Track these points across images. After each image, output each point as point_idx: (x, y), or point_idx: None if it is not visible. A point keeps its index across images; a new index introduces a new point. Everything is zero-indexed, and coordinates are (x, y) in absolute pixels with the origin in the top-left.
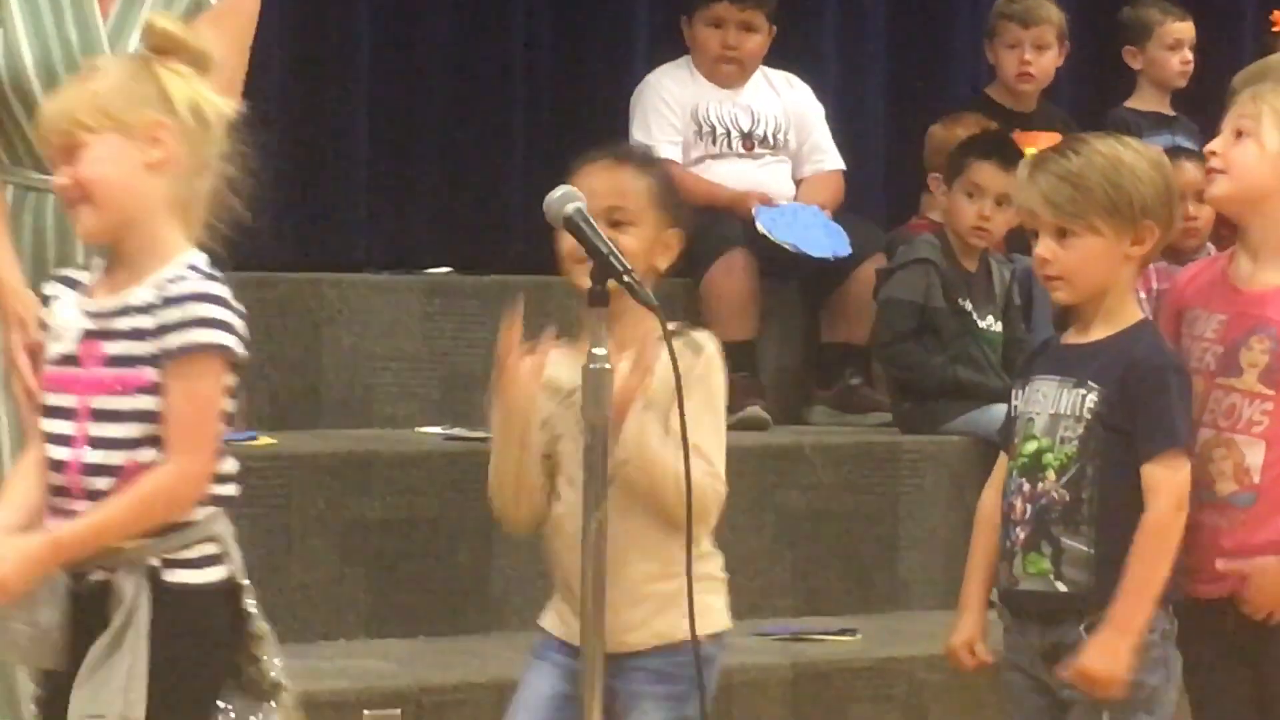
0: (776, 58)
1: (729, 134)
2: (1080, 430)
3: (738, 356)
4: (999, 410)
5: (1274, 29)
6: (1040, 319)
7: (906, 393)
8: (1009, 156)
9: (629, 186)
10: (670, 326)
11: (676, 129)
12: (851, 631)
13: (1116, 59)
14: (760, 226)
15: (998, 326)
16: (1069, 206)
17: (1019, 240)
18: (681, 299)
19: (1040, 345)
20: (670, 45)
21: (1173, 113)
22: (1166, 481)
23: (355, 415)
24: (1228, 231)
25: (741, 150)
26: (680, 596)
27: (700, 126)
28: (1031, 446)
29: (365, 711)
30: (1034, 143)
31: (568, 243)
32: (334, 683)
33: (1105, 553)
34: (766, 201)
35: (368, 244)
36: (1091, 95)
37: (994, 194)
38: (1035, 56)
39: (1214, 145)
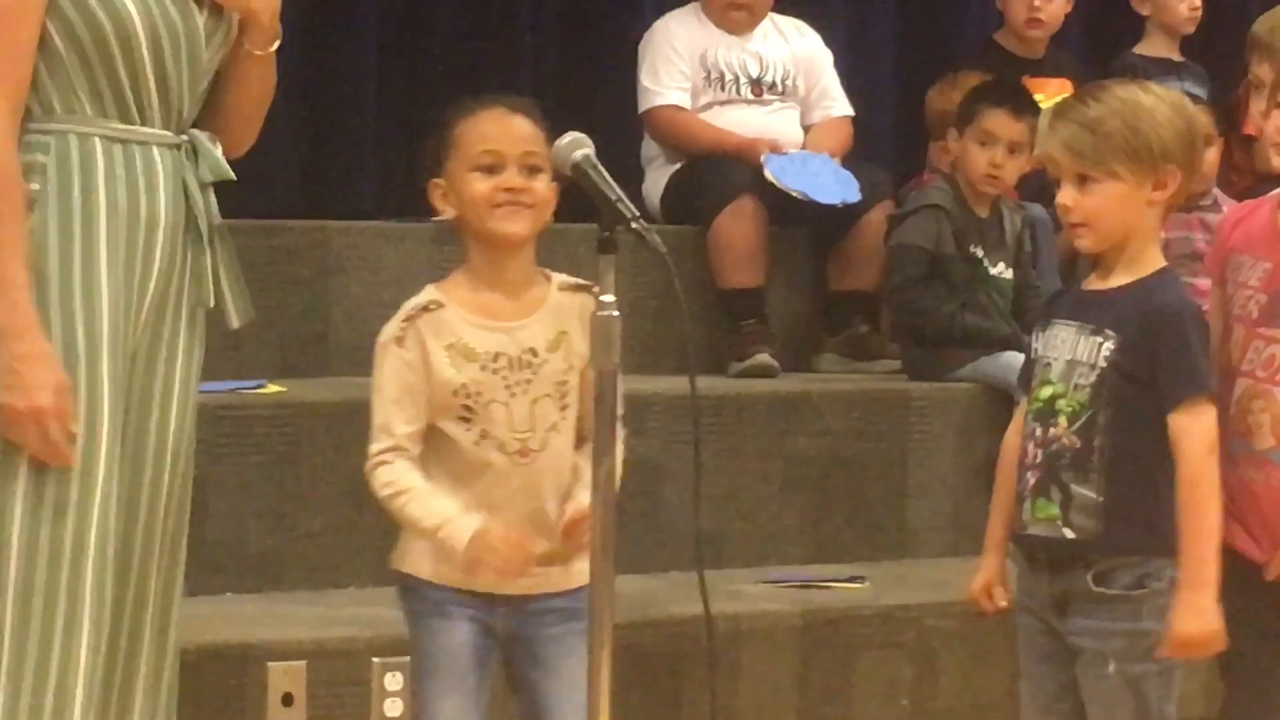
0: (785, 4)
1: (738, 80)
2: (1094, 377)
3: (746, 303)
4: (1008, 357)
5: None
6: (1046, 267)
7: (915, 339)
8: (1020, 105)
9: (536, 134)
10: (581, 282)
11: (685, 75)
12: (860, 579)
13: (1125, 4)
14: (769, 174)
15: (1009, 274)
16: (1090, 153)
17: (1031, 187)
18: (690, 246)
19: (1063, 289)
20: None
21: (1181, 58)
22: (1193, 428)
23: (364, 363)
24: (1236, 177)
25: (750, 96)
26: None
27: (709, 73)
28: (1046, 391)
29: (374, 659)
30: (1044, 89)
31: (484, 185)
32: (344, 630)
33: (1114, 501)
34: (775, 148)
35: (376, 191)
36: (1100, 41)
37: (1006, 141)
38: (1044, 2)
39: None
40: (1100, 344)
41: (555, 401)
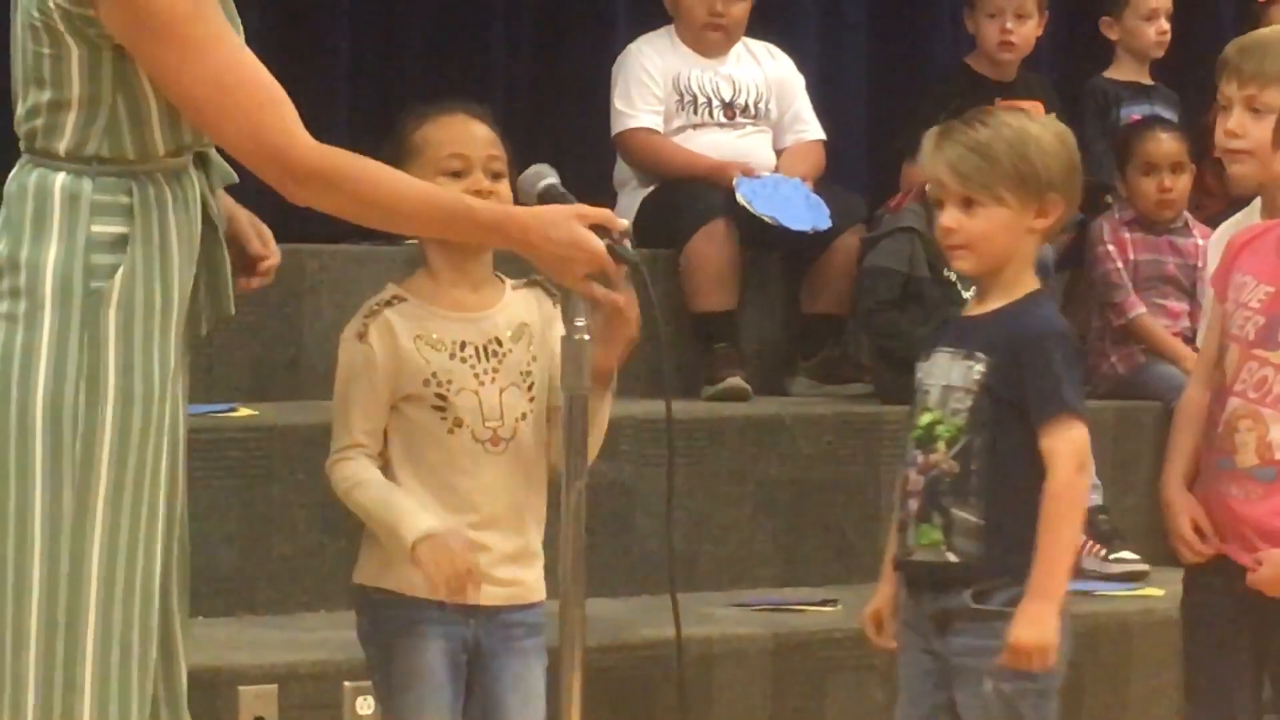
0: (756, 28)
1: (710, 103)
2: (969, 402)
3: (718, 327)
4: None
5: (1260, 1)
6: None
7: (888, 361)
8: None
9: (496, 139)
10: (532, 278)
11: (658, 98)
12: (832, 602)
13: (1094, 29)
14: (740, 198)
15: None
16: (976, 176)
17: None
18: (662, 269)
19: (946, 319)
20: (651, 15)
21: (1151, 82)
22: (1062, 446)
23: None
24: (1208, 201)
25: (723, 120)
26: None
27: (682, 96)
28: (926, 418)
29: (345, 683)
30: None
31: (452, 189)
32: (315, 654)
33: (994, 523)
34: (748, 172)
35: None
36: (1071, 65)
37: None
38: (1016, 25)
39: (1233, 125)
40: (972, 368)
41: (522, 391)
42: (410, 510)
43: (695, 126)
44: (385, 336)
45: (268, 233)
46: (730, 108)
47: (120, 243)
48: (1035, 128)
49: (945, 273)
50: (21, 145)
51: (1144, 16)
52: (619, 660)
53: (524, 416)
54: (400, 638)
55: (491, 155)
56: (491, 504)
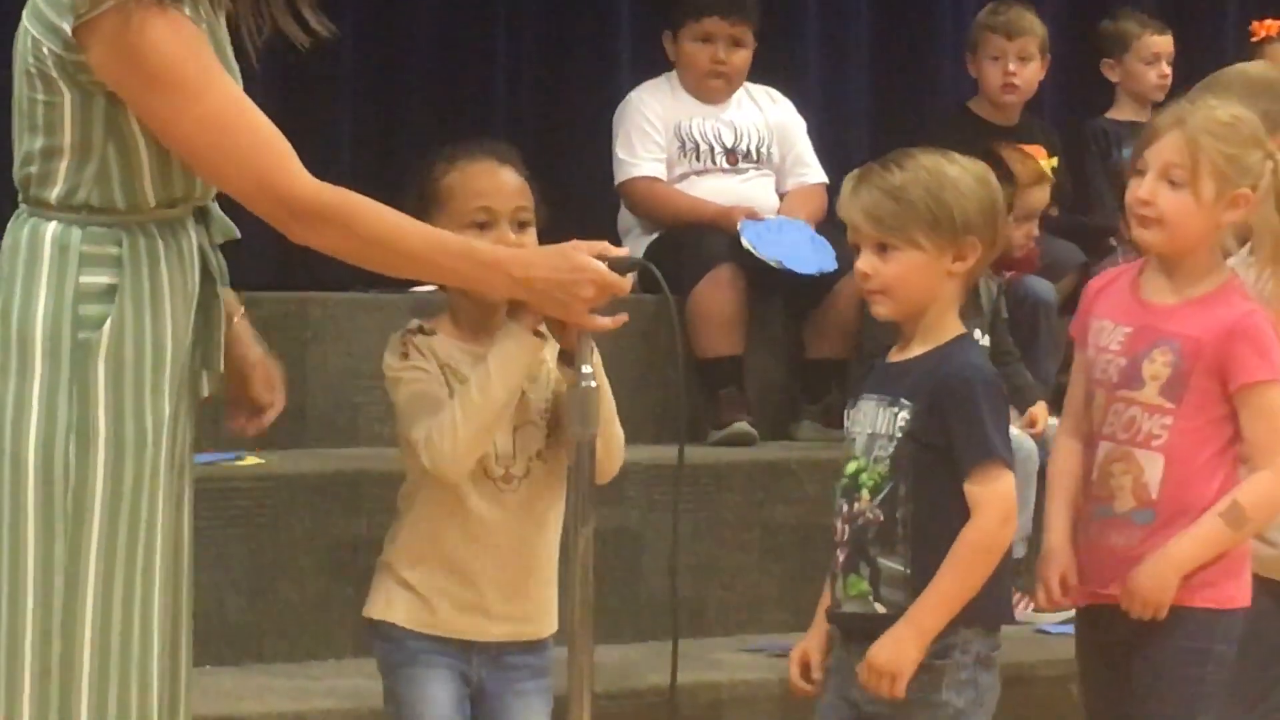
0: (760, 72)
1: (712, 150)
2: (892, 449)
3: (725, 372)
4: None
5: (1254, 39)
6: (1046, 348)
7: None
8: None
9: (524, 187)
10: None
11: (660, 146)
12: None
13: (1096, 72)
14: (745, 242)
15: (985, 341)
16: (890, 220)
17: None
18: (667, 315)
19: (870, 365)
20: (652, 62)
21: None
22: (987, 496)
23: (342, 434)
24: None
25: (725, 165)
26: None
27: (684, 143)
28: (851, 467)
29: None
30: None
31: None
32: (321, 702)
33: (921, 572)
34: (752, 216)
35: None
36: (1072, 107)
37: None
38: (1019, 68)
39: (1144, 193)
40: (896, 414)
41: (539, 430)
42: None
43: (698, 173)
44: (425, 353)
45: (278, 379)
46: (732, 154)
47: (109, 293)
48: (953, 170)
49: None
50: (19, 195)
51: (1146, 60)
52: (626, 707)
53: (538, 455)
54: (409, 668)
55: (519, 206)
56: (500, 539)
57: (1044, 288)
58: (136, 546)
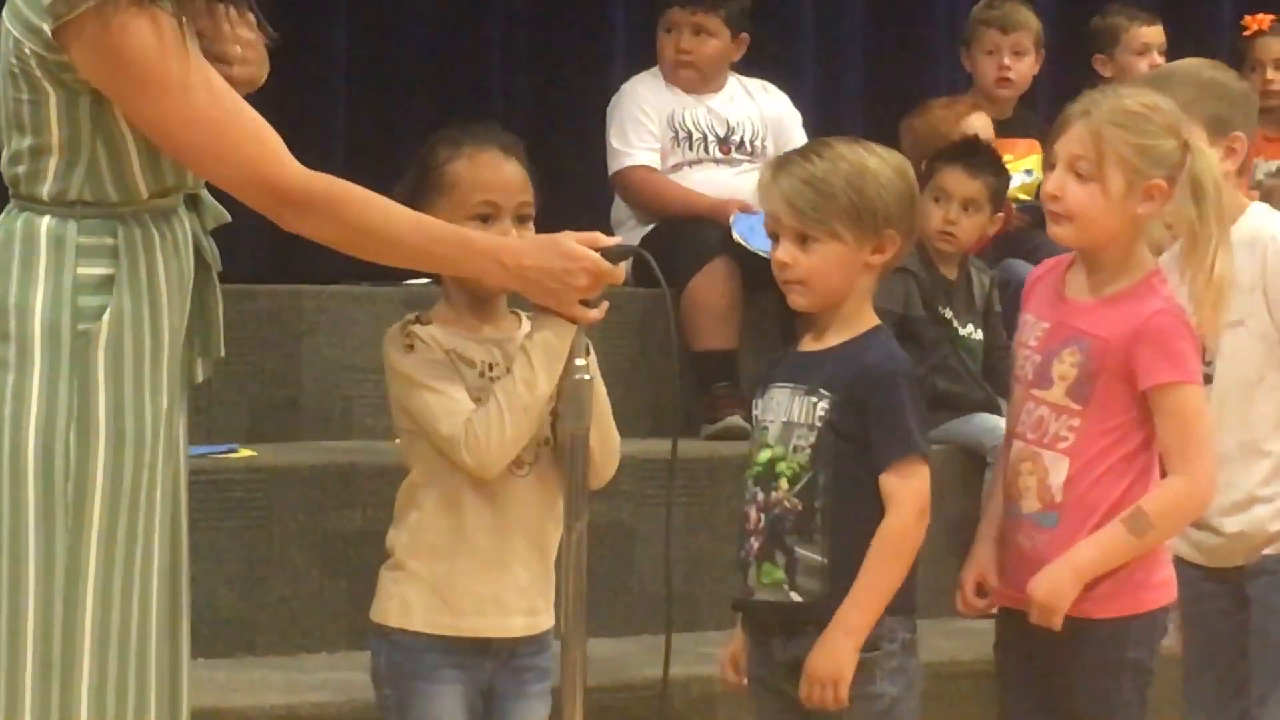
0: (755, 67)
1: (705, 139)
2: (812, 438)
3: (719, 366)
4: (980, 419)
5: (1246, 33)
6: None
7: None
8: (976, 163)
9: (527, 181)
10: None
11: (654, 135)
12: None
13: (1089, 67)
14: (736, 235)
15: (978, 334)
16: (811, 211)
17: (1001, 248)
18: (661, 308)
19: (781, 353)
20: (647, 54)
21: None
22: (904, 490)
23: (335, 427)
24: None
25: (719, 155)
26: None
27: (676, 133)
28: (765, 455)
29: None
30: (1012, 150)
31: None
32: (315, 695)
33: (838, 562)
34: (746, 209)
35: (346, 255)
36: (1066, 102)
37: (960, 198)
38: (1014, 62)
39: (1052, 188)
40: (815, 404)
41: (545, 416)
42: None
43: (691, 164)
44: (430, 341)
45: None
46: (725, 143)
47: (106, 284)
48: (873, 161)
49: (941, 310)
50: (9, 191)
51: (1136, 51)
52: (619, 700)
53: (547, 441)
54: (421, 681)
55: (522, 201)
56: (514, 527)
57: (1017, 267)
58: (136, 537)
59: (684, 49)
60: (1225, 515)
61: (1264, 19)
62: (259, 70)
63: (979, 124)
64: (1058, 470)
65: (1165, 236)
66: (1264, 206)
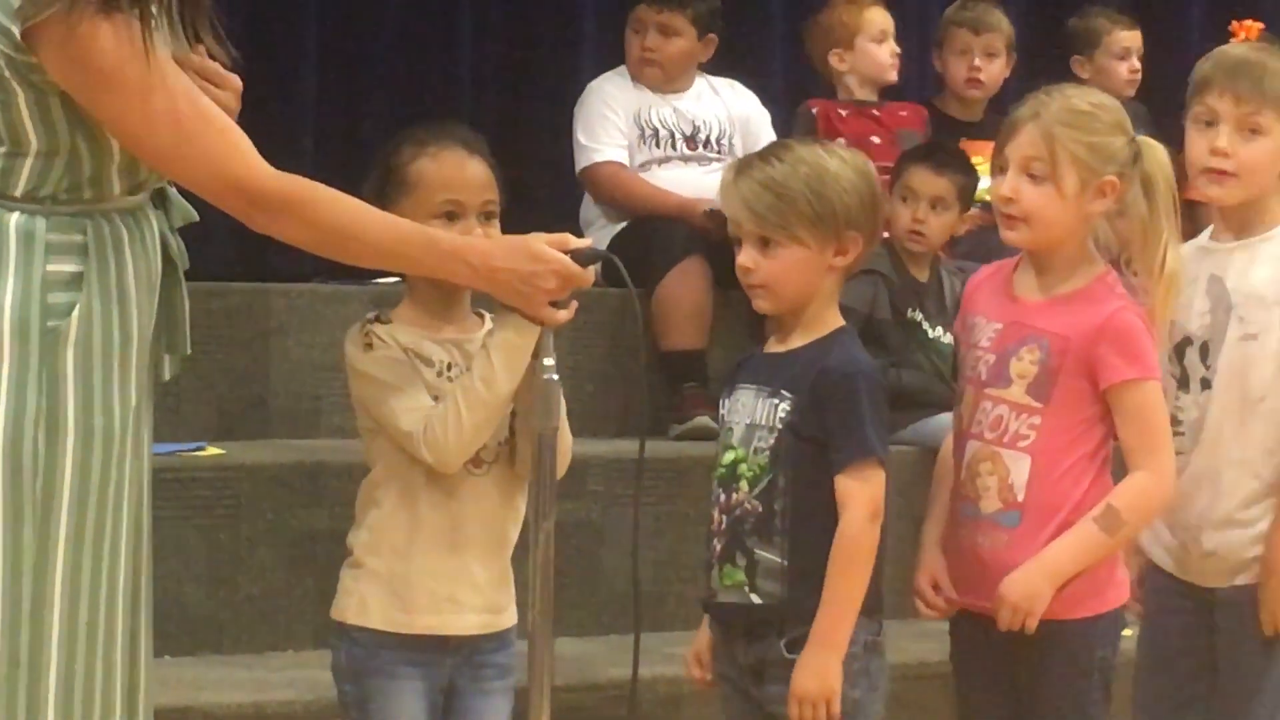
0: (724, 64)
1: (673, 136)
2: (772, 440)
3: (689, 366)
4: (947, 419)
5: (1234, 39)
6: None
7: None
8: (942, 161)
9: (492, 179)
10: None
11: (622, 132)
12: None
13: (1063, 71)
14: None
15: (948, 337)
16: (772, 216)
17: (962, 248)
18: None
19: (747, 353)
20: (615, 51)
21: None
22: (858, 493)
23: (303, 426)
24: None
25: (686, 153)
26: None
27: (643, 130)
28: (729, 456)
29: None
30: (981, 152)
31: None
32: (282, 694)
33: (798, 564)
34: (714, 208)
35: (315, 255)
36: None
37: (927, 197)
38: (985, 63)
39: (1007, 191)
40: (776, 405)
41: (506, 416)
42: (490, 352)
43: (660, 162)
44: (389, 340)
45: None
46: (692, 141)
47: (76, 281)
48: (834, 163)
49: (911, 313)
50: None
51: (1116, 55)
52: (586, 700)
53: (506, 442)
54: (381, 678)
55: (486, 199)
56: (471, 525)
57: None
58: (104, 534)
59: (649, 47)
60: (1204, 531)
61: (1251, 27)
62: (233, 103)
63: (878, 17)
64: (1019, 469)
65: (1110, 237)
66: None
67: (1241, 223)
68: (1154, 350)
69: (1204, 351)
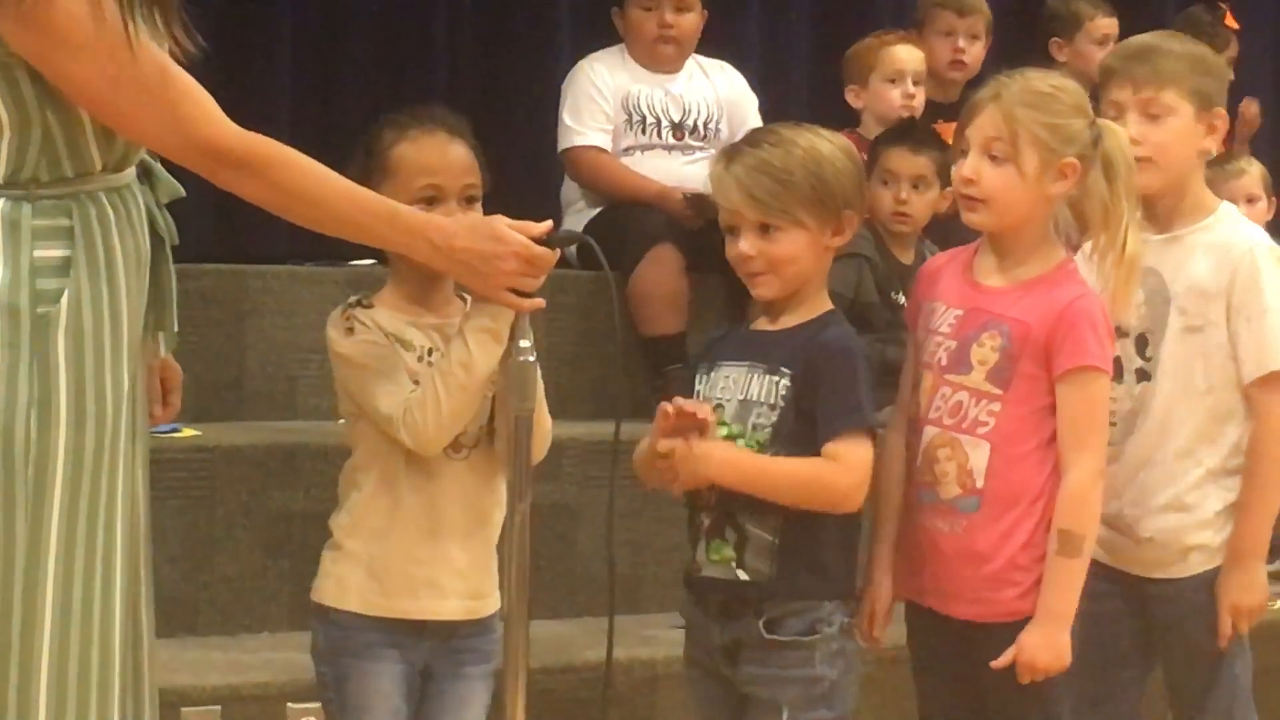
0: (701, 45)
1: (659, 123)
2: (774, 417)
3: (668, 350)
4: None
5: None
6: None
7: None
8: (919, 140)
9: (473, 162)
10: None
11: (608, 116)
12: None
13: (1045, 52)
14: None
15: None
16: (773, 201)
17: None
18: (607, 292)
19: (721, 330)
20: (593, 31)
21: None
22: (848, 457)
23: (279, 407)
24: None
25: (671, 141)
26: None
27: (630, 115)
28: (722, 432)
29: (289, 704)
30: None
31: None
32: (257, 675)
33: (787, 542)
34: (697, 196)
35: (290, 235)
36: None
37: (908, 177)
38: (968, 45)
39: (968, 171)
40: (777, 382)
41: (486, 400)
42: (463, 340)
43: (643, 149)
44: (370, 324)
45: (176, 400)
46: (679, 128)
47: (64, 266)
48: (825, 146)
49: (894, 296)
50: None
51: (1096, 41)
52: (561, 682)
53: (487, 425)
54: (358, 659)
55: (468, 184)
56: (452, 510)
57: None
58: (98, 518)
59: (668, 23)
60: (1141, 520)
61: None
62: None
63: (899, 56)
64: (978, 455)
65: (1071, 223)
66: (1233, 209)
67: (1168, 212)
68: (1109, 343)
69: (1141, 343)
